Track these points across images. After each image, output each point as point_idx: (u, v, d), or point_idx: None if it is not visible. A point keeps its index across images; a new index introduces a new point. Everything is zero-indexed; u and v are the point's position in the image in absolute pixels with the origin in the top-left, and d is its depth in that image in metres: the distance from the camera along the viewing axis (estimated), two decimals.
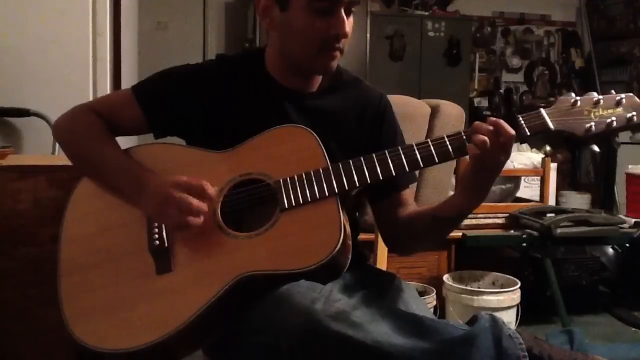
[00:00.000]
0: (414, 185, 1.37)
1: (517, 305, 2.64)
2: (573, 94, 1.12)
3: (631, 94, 1.10)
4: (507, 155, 1.09)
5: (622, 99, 1.10)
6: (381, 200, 1.33)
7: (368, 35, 4.69)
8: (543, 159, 3.02)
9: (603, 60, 5.73)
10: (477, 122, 1.10)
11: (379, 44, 4.94)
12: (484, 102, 5.80)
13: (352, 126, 1.32)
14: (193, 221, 1.12)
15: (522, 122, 1.10)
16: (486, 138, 1.06)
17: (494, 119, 1.08)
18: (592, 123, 1.09)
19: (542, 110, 1.11)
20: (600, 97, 1.11)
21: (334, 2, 1.18)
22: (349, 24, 1.22)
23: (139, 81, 1.34)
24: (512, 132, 1.07)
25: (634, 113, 1.09)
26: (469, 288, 2.63)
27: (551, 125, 1.10)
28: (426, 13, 5.29)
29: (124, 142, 1.33)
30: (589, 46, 5.90)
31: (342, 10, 1.19)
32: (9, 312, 1.60)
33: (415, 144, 1.15)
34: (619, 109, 1.10)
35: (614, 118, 1.09)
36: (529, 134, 1.10)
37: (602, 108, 1.10)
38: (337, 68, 1.31)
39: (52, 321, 1.18)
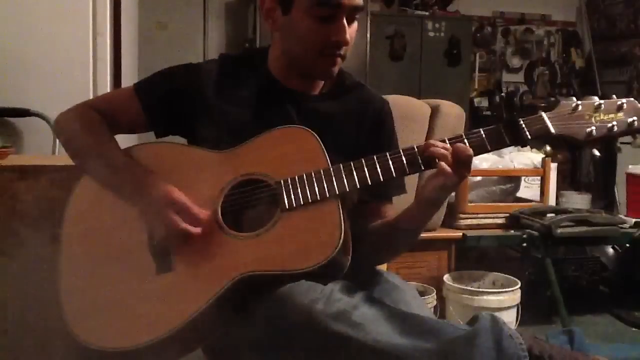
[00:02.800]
0: (402, 203, 1.35)
1: (518, 305, 2.64)
2: (574, 98, 1.12)
3: (632, 99, 1.11)
4: (466, 173, 1.11)
5: (623, 103, 1.10)
6: (360, 206, 1.30)
7: (368, 35, 4.69)
8: (543, 159, 3.02)
9: (603, 60, 5.73)
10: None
11: (379, 44, 4.94)
12: (484, 102, 5.79)
13: (352, 130, 1.32)
14: (179, 241, 1.14)
15: (524, 125, 1.10)
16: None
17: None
18: (593, 127, 1.09)
19: (544, 114, 1.11)
20: (602, 101, 1.11)
21: (335, 9, 1.17)
22: (351, 30, 1.22)
23: (140, 79, 1.35)
24: (471, 152, 1.10)
25: (635, 118, 1.09)
26: (469, 288, 2.63)
27: (552, 129, 1.10)
28: (426, 13, 5.29)
29: (125, 140, 1.33)
30: (589, 46, 5.91)
31: (344, 18, 1.19)
32: (10, 312, 1.60)
33: (416, 146, 1.15)
34: (620, 114, 1.10)
35: (615, 123, 1.09)
36: (530, 137, 1.10)
37: (603, 112, 1.10)
38: (340, 72, 1.31)
39: (53, 321, 1.18)
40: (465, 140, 1.12)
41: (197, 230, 1.14)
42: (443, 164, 1.10)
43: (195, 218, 1.15)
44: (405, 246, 1.33)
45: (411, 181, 1.41)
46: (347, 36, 1.20)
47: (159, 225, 1.15)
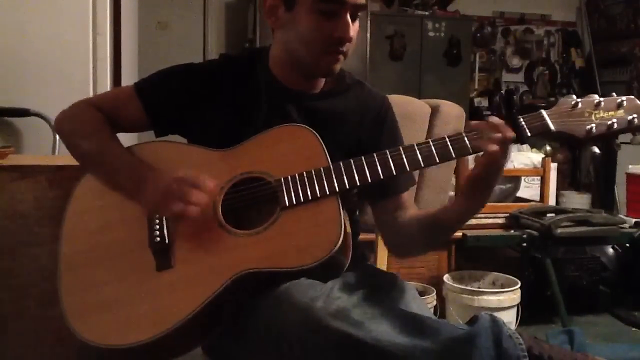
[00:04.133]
0: (414, 188, 1.37)
1: (517, 305, 2.64)
2: (574, 96, 1.12)
3: (632, 97, 1.10)
4: (507, 158, 1.10)
5: (623, 101, 1.10)
6: (381, 202, 1.33)
7: (368, 35, 4.69)
8: (543, 158, 3.02)
9: (603, 60, 5.73)
10: (478, 123, 1.10)
11: (379, 44, 4.95)
12: (484, 102, 5.80)
13: (353, 128, 1.32)
14: (191, 211, 1.12)
15: (523, 122, 1.10)
16: (496, 146, 1.07)
17: (494, 121, 1.09)
18: (593, 125, 1.09)
19: (543, 111, 1.11)
20: (601, 99, 1.11)
21: (340, 5, 1.18)
22: (354, 28, 1.22)
23: (141, 78, 1.34)
24: (512, 134, 1.08)
25: (635, 115, 1.09)
26: (469, 288, 2.63)
27: (552, 127, 1.10)
28: (426, 13, 5.29)
29: (125, 140, 1.33)
30: (589, 46, 5.91)
31: (348, 15, 1.19)
32: (9, 312, 1.60)
33: (416, 144, 1.15)
34: (620, 111, 1.10)
35: (614, 120, 1.09)
36: (529, 134, 1.10)
37: (603, 110, 1.10)
38: (340, 71, 1.32)
39: (53, 321, 1.18)
40: (466, 139, 1.11)
41: (203, 199, 1.13)
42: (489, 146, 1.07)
43: (202, 188, 1.13)
44: (445, 239, 1.32)
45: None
46: (351, 32, 1.20)
47: (168, 200, 1.13)
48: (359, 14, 1.22)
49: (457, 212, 1.19)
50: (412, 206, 1.34)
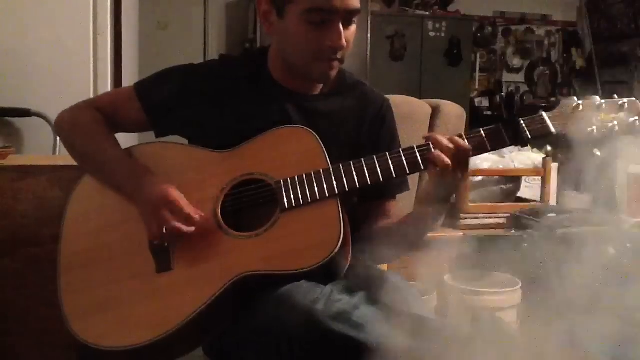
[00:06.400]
0: (405, 201, 1.36)
1: (518, 305, 2.63)
2: (575, 98, 1.12)
3: (634, 99, 1.10)
4: (465, 170, 1.10)
5: (624, 103, 1.09)
6: (364, 204, 1.32)
7: (369, 35, 4.69)
8: (544, 159, 3.01)
9: (604, 60, 5.73)
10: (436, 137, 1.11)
11: (380, 43, 4.95)
12: (485, 102, 5.81)
13: (352, 129, 1.32)
14: (171, 239, 1.15)
15: (524, 125, 1.10)
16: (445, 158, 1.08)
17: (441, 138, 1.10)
18: (594, 127, 1.09)
19: (544, 114, 1.11)
20: (603, 101, 1.10)
21: (329, 14, 1.16)
22: (349, 33, 1.20)
23: (141, 79, 1.34)
24: (467, 146, 1.08)
25: (636, 118, 1.08)
26: (469, 288, 2.63)
27: (553, 129, 1.09)
28: (427, 13, 5.29)
29: (125, 139, 1.33)
30: (590, 46, 5.91)
31: (340, 22, 1.17)
32: (10, 312, 1.60)
33: (416, 146, 1.15)
34: (621, 114, 1.09)
35: (615, 122, 1.09)
36: (530, 137, 1.10)
37: (604, 112, 1.10)
38: (340, 71, 1.31)
39: (53, 321, 1.18)
40: (465, 140, 1.11)
41: (190, 229, 1.14)
42: (442, 156, 1.08)
43: (188, 217, 1.14)
44: (411, 248, 1.29)
45: (414, 180, 1.41)
46: (343, 41, 1.18)
47: (154, 223, 1.16)
48: (354, 18, 1.21)
49: (417, 219, 1.20)
50: (394, 217, 1.32)
